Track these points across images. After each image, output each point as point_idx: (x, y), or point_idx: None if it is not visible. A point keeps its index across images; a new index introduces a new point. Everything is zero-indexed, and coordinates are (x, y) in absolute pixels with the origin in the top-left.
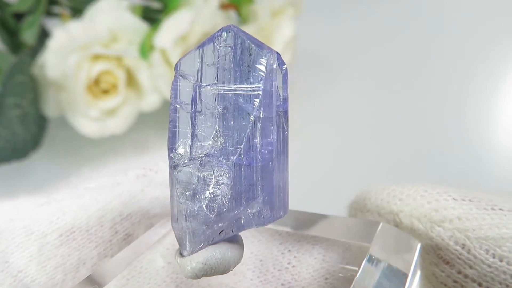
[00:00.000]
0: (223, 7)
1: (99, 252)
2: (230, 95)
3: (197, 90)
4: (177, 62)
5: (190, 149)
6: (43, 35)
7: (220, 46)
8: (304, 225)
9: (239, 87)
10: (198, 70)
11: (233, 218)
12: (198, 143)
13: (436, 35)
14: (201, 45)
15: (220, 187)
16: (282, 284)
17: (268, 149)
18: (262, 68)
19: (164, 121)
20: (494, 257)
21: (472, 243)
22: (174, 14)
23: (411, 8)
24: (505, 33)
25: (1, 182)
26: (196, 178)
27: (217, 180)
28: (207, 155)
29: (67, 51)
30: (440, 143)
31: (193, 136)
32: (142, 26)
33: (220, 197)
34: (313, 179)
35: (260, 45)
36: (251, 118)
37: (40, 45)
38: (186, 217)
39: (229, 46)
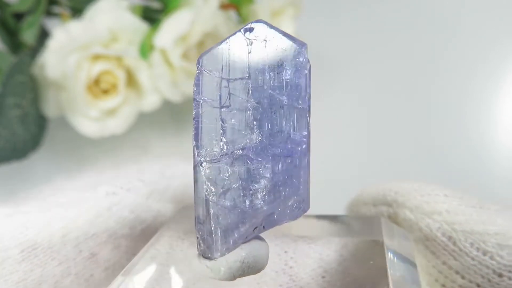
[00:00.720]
0: (223, 7)
1: (62, 269)
2: (264, 87)
3: (226, 84)
4: (200, 57)
5: (221, 144)
6: (43, 35)
7: (250, 40)
8: (301, 226)
9: (274, 80)
10: (224, 64)
11: (267, 213)
12: (230, 138)
13: (437, 36)
14: (226, 40)
15: (260, 181)
16: (280, 285)
17: (303, 141)
18: (296, 60)
19: (164, 121)
20: (478, 251)
21: (458, 236)
22: (174, 14)
23: (412, 9)
24: (505, 33)
25: (1, 182)
26: (230, 173)
27: (255, 173)
28: (242, 148)
29: (67, 51)
30: (440, 143)
31: (223, 130)
32: (142, 26)
33: (259, 191)
34: (314, 179)
35: (292, 38)
36: (287, 110)
37: (40, 45)
38: (217, 216)
39: (260, 40)
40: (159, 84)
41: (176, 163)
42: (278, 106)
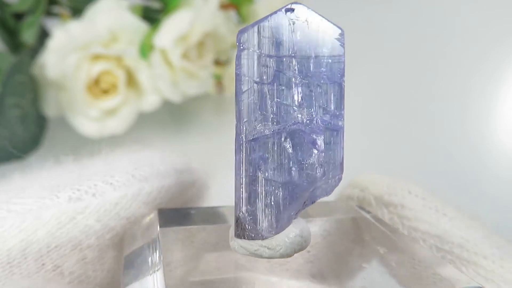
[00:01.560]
0: (223, 7)
1: (24, 285)
2: (309, 66)
3: (271, 62)
4: (239, 33)
5: (272, 120)
6: (43, 35)
7: (292, 19)
8: None
9: (317, 59)
10: (268, 42)
11: (314, 188)
12: (279, 114)
13: (437, 36)
14: (268, 18)
15: (312, 155)
16: (268, 261)
17: (343, 116)
18: (334, 42)
19: (164, 121)
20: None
21: (403, 230)
22: (174, 14)
23: (412, 9)
24: (505, 33)
25: (1, 182)
26: (281, 148)
27: (308, 148)
28: (294, 123)
29: (67, 51)
30: (440, 142)
31: (272, 107)
32: (142, 26)
33: (312, 165)
34: None
35: (330, 21)
36: (330, 88)
37: (40, 45)
38: (270, 193)
39: (302, 20)
40: (159, 84)
41: (151, 161)
42: (322, 83)
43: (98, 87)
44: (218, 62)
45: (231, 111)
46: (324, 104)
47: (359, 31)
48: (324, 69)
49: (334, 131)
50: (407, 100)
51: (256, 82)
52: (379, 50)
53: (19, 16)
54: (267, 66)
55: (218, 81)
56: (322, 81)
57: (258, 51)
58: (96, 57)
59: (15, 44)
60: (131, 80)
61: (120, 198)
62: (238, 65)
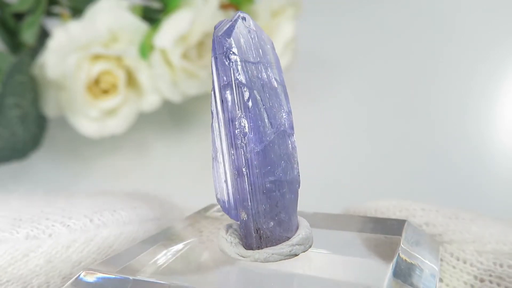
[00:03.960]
0: (223, 7)
1: None
2: (272, 70)
3: (249, 67)
4: (218, 42)
5: (267, 125)
6: (43, 35)
7: (248, 28)
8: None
9: (274, 63)
10: (242, 49)
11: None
12: (270, 117)
13: (437, 36)
14: (234, 26)
15: (296, 151)
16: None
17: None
18: (271, 45)
19: (164, 121)
20: (458, 260)
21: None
22: (174, 14)
23: (412, 9)
24: (505, 33)
25: (1, 182)
26: (278, 150)
27: (294, 145)
28: (281, 125)
29: (67, 51)
30: (440, 142)
31: (266, 112)
32: (142, 26)
33: (297, 161)
34: (313, 180)
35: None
36: (283, 89)
37: (40, 45)
38: (279, 196)
39: (252, 29)
40: (159, 84)
41: (113, 207)
42: (281, 86)
43: (98, 87)
44: None
45: None
46: (282, 105)
47: (359, 31)
48: (278, 73)
49: (292, 129)
50: (406, 100)
51: (247, 88)
52: (379, 50)
53: (19, 16)
54: (246, 72)
55: None
56: (279, 85)
57: (236, 57)
58: (96, 57)
59: (15, 44)
60: (131, 80)
61: (73, 241)
62: (221, 75)
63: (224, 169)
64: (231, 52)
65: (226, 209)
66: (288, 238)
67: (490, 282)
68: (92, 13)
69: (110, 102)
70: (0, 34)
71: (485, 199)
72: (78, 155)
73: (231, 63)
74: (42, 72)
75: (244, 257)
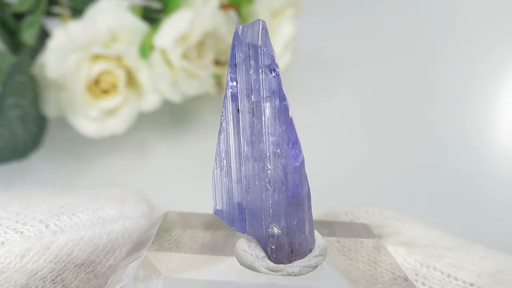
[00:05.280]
0: (223, 7)
1: None
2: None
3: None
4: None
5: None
6: (43, 35)
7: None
8: None
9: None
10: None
11: None
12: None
13: (436, 36)
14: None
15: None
16: None
17: None
18: None
19: (164, 121)
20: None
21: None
22: (174, 14)
23: (412, 9)
24: (505, 33)
25: (1, 182)
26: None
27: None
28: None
29: (67, 51)
30: (440, 142)
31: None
32: (142, 26)
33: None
34: (313, 180)
35: None
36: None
37: (40, 45)
38: (308, 202)
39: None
40: (159, 84)
41: (71, 209)
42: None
43: (98, 87)
44: (218, 62)
45: None
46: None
47: (359, 31)
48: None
49: None
50: (406, 100)
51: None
52: (379, 50)
53: (19, 16)
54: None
55: (218, 81)
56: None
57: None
58: (96, 57)
59: (15, 44)
60: (131, 80)
61: (28, 250)
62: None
63: (232, 179)
64: (276, 65)
65: (229, 221)
66: (310, 250)
67: (415, 281)
68: (92, 13)
69: (110, 102)
70: (0, 34)
71: (485, 199)
72: (78, 155)
73: (276, 76)
74: (42, 72)
75: (275, 271)
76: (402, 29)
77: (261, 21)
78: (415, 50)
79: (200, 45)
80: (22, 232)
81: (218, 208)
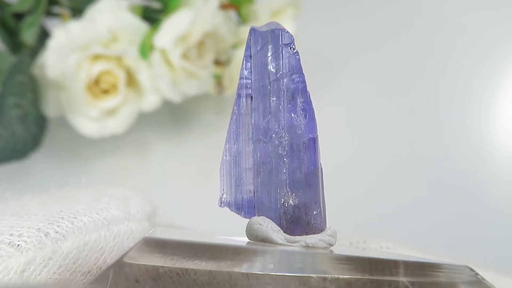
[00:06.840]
0: (223, 7)
1: None
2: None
3: None
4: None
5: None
6: (43, 35)
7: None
8: None
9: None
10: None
11: None
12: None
13: (436, 36)
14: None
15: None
16: None
17: None
18: None
19: (164, 121)
20: None
21: None
22: (174, 14)
23: (411, 9)
24: (505, 33)
25: (1, 182)
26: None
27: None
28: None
29: (67, 51)
30: (440, 142)
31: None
32: (142, 26)
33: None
34: None
35: None
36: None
37: (40, 45)
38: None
39: None
40: (159, 84)
41: (71, 213)
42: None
43: (98, 87)
44: (218, 62)
45: (230, 111)
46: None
47: (359, 31)
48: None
49: None
50: (406, 99)
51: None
52: (379, 50)
53: (19, 16)
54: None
55: (218, 81)
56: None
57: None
58: (96, 57)
59: (15, 44)
60: (131, 80)
61: (27, 264)
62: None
63: (241, 165)
64: (294, 45)
65: (236, 208)
66: (322, 230)
67: None
68: (92, 13)
69: (110, 102)
70: (0, 34)
71: (485, 200)
72: (78, 155)
73: (296, 53)
74: (42, 72)
75: (292, 242)
76: (402, 29)
77: (276, 22)
78: (415, 50)
79: (200, 45)
80: (18, 245)
81: (224, 197)
